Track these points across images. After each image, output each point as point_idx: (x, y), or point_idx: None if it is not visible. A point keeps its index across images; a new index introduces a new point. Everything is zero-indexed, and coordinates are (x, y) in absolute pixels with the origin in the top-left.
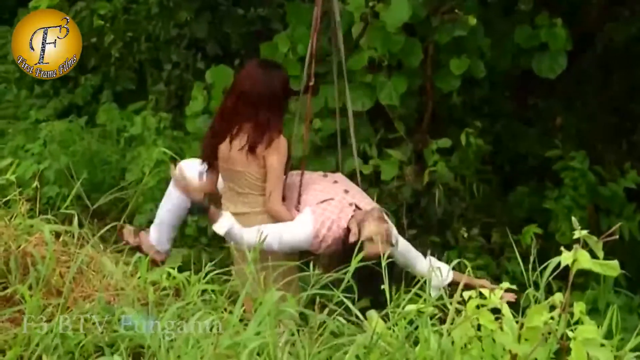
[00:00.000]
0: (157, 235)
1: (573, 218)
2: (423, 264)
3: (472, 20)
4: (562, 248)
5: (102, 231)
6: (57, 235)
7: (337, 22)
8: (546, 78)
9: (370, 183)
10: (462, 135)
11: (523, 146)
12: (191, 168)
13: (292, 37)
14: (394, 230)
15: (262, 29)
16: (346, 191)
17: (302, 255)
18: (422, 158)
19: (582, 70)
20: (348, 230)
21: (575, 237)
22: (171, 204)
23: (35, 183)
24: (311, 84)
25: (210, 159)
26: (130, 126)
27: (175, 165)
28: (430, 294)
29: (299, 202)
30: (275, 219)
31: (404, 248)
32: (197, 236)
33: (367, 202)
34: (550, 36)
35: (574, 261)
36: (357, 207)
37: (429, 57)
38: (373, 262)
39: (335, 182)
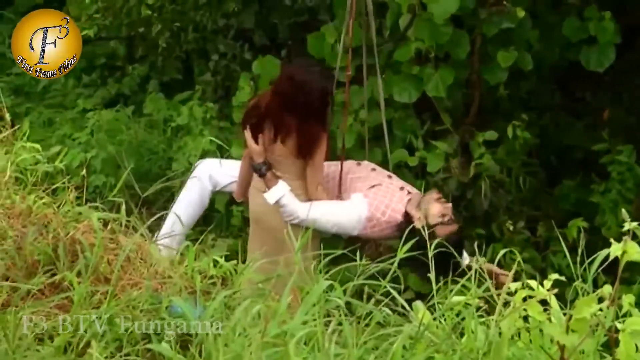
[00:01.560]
0: (170, 232)
1: (623, 210)
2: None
3: (520, 13)
4: (611, 239)
5: (151, 220)
6: (105, 223)
7: (370, 11)
8: (594, 71)
9: (417, 175)
10: (508, 127)
11: (570, 139)
12: (221, 168)
13: (339, 28)
14: None
15: (310, 20)
16: (389, 177)
17: (347, 244)
18: (468, 150)
19: (630, 63)
20: (407, 215)
21: (624, 229)
22: (190, 199)
23: (83, 172)
24: (348, 73)
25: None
26: (176, 116)
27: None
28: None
29: (340, 192)
30: None
31: None
32: (242, 226)
33: (411, 187)
34: (598, 29)
35: (624, 253)
36: (408, 191)
37: (476, 49)
38: (419, 252)
39: (373, 169)
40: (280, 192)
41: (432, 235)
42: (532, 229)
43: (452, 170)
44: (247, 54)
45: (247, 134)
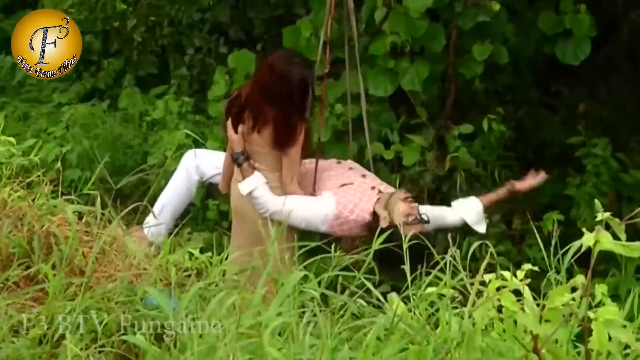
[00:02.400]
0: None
1: (596, 201)
2: (451, 214)
3: (496, 6)
4: (584, 229)
5: (125, 212)
6: (80, 216)
7: (351, 8)
8: (570, 65)
9: (392, 168)
10: (484, 121)
11: (546, 133)
12: (208, 159)
13: (315, 21)
14: (423, 207)
15: (285, 14)
16: (364, 176)
17: (323, 236)
18: (444, 144)
19: (606, 57)
20: (375, 214)
21: (597, 219)
22: (177, 189)
23: (58, 165)
24: (326, 70)
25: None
26: (152, 110)
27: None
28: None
29: (314, 189)
30: None
31: (432, 215)
32: (218, 220)
33: (385, 186)
34: (574, 22)
35: (596, 242)
36: (379, 191)
37: (452, 43)
38: (393, 244)
39: (351, 168)
40: (254, 183)
41: (398, 235)
42: (508, 222)
43: (427, 163)
44: (222, 48)
45: (228, 124)
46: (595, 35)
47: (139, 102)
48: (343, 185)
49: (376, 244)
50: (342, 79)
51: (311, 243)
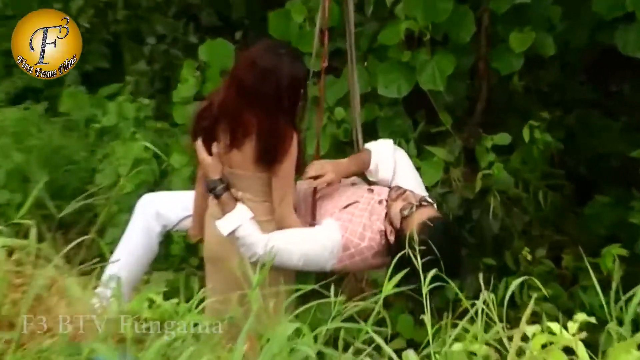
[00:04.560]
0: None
1: None
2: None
3: None
4: None
5: (68, 248)
6: (10, 252)
7: None
8: (632, 58)
9: None
10: (524, 129)
11: (603, 144)
12: (170, 201)
13: (309, 3)
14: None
15: None
16: (370, 190)
17: (320, 277)
18: (473, 158)
19: None
20: (384, 233)
21: None
22: (133, 245)
23: None
24: (324, 65)
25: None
26: (102, 115)
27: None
28: None
29: (313, 218)
30: None
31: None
32: (185, 256)
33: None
34: (638, 4)
35: None
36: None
37: (484, 30)
38: (410, 288)
39: (353, 184)
40: (238, 219)
41: (406, 241)
42: (556, 258)
43: (453, 183)
44: (192, 37)
45: (199, 144)
46: None
47: (85, 105)
48: (347, 206)
49: (389, 288)
50: (345, 75)
51: (305, 286)
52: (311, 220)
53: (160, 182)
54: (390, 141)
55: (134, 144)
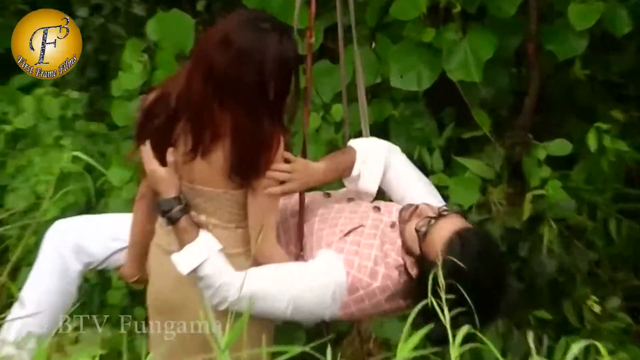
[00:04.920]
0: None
1: None
2: None
3: None
4: None
5: None
6: None
7: None
8: None
9: None
10: (589, 134)
11: None
12: (94, 230)
13: None
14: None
15: None
16: (377, 208)
17: (312, 336)
18: (520, 173)
19: None
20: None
21: None
22: (45, 288)
23: None
24: (311, 40)
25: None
26: (15, 114)
27: None
28: None
29: (300, 244)
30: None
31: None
32: (127, 305)
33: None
34: None
35: None
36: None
37: (534, 0)
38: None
39: (351, 199)
40: (202, 253)
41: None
42: (634, 310)
43: (493, 207)
44: (137, 8)
45: (146, 150)
46: None
47: None
48: (349, 232)
49: (405, 352)
50: (347, 60)
51: (293, 347)
52: (296, 250)
53: (94, 204)
54: (384, 141)
55: (59, 154)
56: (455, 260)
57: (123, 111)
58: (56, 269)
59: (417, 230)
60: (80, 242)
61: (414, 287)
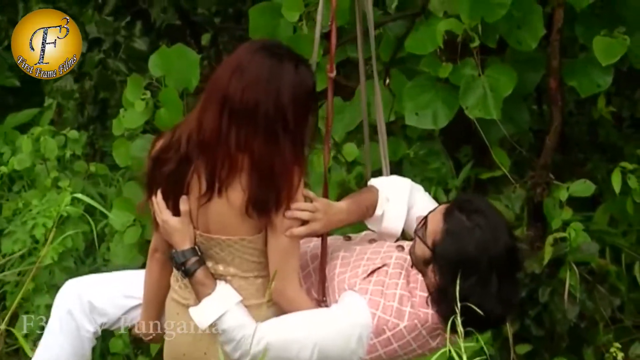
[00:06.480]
0: None
1: None
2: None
3: None
4: None
5: None
6: None
7: None
8: None
9: None
10: (614, 174)
11: None
12: (106, 288)
13: None
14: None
15: None
16: (400, 248)
17: None
18: (541, 215)
19: None
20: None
21: None
22: (69, 342)
23: None
24: (331, 75)
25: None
26: (10, 154)
27: None
28: None
29: (323, 289)
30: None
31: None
32: (130, 355)
33: None
34: None
35: None
36: None
37: (556, 33)
38: None
39: (373, 240)
40: (221, 305)
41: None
42: None
43: None
44: (139, 42)
45: (157, 200)
46: None
47: None
48: (372, 272)
49: None
50: (358, 97)
51: None
52: (318, 296)
53: (94, 250)
54: (405, 179)
55: (58, 196)
56: (458, 220)
57: (125, 151)
58: (69, 331)
59: (415, 233)
60: (93, 301)
61: (443, 289)
